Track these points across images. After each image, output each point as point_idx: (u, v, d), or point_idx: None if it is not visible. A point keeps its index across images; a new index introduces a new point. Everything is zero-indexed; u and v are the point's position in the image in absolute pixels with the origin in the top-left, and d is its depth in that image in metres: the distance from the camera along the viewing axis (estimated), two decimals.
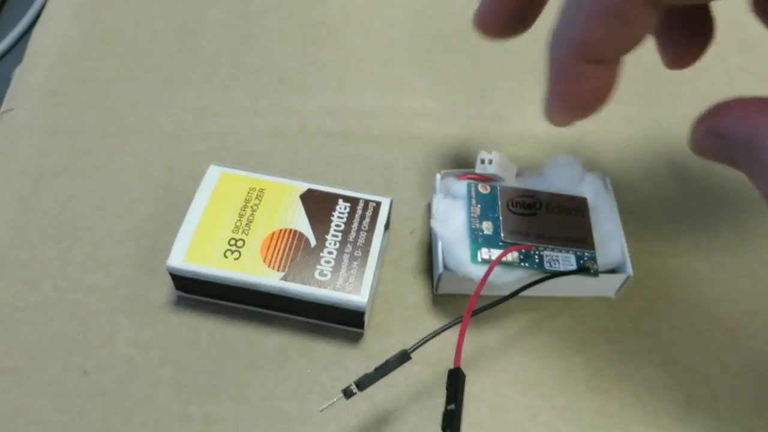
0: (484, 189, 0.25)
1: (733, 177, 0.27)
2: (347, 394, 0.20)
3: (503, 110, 0.31)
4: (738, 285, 0.26)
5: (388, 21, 0.35)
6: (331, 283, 0.23)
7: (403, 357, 0.21)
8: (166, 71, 0.32)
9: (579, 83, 0.21)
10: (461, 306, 0.23)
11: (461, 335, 0.21)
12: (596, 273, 0.23)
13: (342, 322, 0.24)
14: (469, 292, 0.22)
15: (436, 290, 0.25)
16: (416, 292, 0.25)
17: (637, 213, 0.28)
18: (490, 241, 0.24)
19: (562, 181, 0.26)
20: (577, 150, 0.30)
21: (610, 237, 0.25)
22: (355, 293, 0.23)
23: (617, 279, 0.24)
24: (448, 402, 0.20)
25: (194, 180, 0.25)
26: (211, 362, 0.23)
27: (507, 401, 0.23)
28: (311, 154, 0.29)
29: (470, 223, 0.24)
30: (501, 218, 0.24)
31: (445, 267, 0.24)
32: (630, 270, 0.24)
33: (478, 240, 0.24)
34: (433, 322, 0.24)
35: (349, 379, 0.23)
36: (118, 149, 0.29)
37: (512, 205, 0.25)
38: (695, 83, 0.32)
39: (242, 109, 0.31)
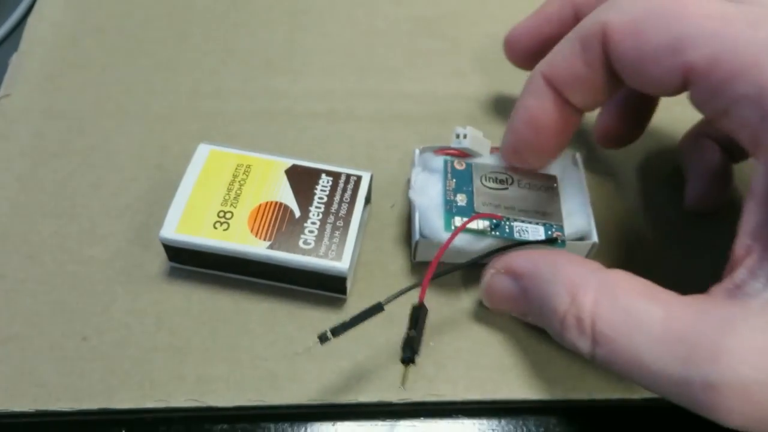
0: (459, 165, 0.26)
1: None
2: (322, 339, 0.21)
3: (480, 91, 0.33)
4: (696, 257, 0.28)
5: (370, 8, 0.36)
6: (315, 250, 0.24)
7: (377, 308, 0.22)
8: (157, 57, 0.33)
9: (538, 105, 0.24)
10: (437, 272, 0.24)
11: (427, 277, 0.22)
12: (563, 243, 0.25)
13: (326, 288, 0.25)
14: (445, 259, 0.24)
15: (414, 258, 0.26)
16: (396, 261, 0.27)
17: (605, 189, 0.29)
18: (464, 212, 0.25)
19: None
20: None
21: (578, 209, 0.26)
22: (337, 260, 0.24)
23: (584, 246, 0.26)
24: (409, 329, 0.22)
25: (186, 159, 0.27)
26: (203, 327, 0.25)
27: (481, 359, 0.25)
28: (297, 134, 0.31)
29: (445, 195, 0.25)
30: (474, 191, 0.26)
31: (422, 235, 0.25)
32: (596, 237, 0.25)
33: (452, 210, 0.25)
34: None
35: (334, 341, 0.25)
36: (113, 131, 0.30)
37: (485, 180, 0.26)
38: None
39: (231, 91, 0.32)
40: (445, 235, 0.24)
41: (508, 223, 0.25)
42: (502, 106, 0.32)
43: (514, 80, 0.33)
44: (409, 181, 0.28)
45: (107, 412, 0.23)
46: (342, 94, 0.32)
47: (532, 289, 0.22)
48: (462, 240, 0.24)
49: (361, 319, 0.22)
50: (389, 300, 0.22)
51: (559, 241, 0.25)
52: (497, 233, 0.25)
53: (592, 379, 0.24)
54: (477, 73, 0.34)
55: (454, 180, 0.26)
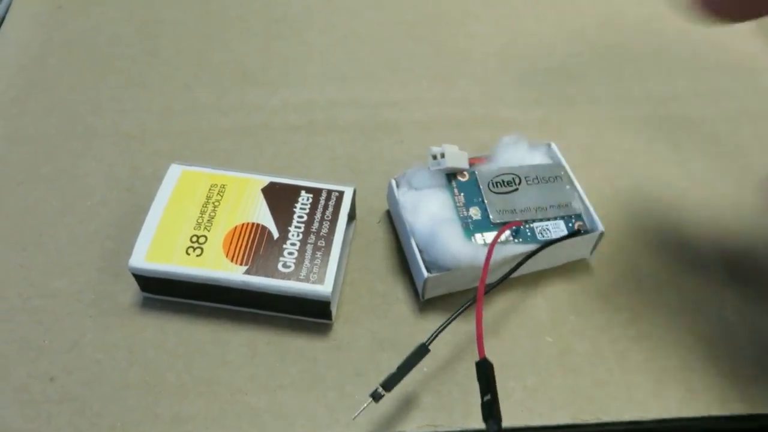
0: (462, 177, 0.25)
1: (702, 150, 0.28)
2: (376, 397, 0.20)
3: (467, 94, 0.31)
4: (704, 258, 0.26)
5: (350, 13, 0.35)
6: (295, 274, 0.23)
7: (422, 351, 0.20)
8: (127, 74, 0.32)
9: None
10: None
11: (478, 324, 0.20)
12: (586, 233, 0.24)
13: (309, 313, 0.23)
14: (459, 288, 0.22)
15: (423, 297, 0.24)
16: (384, 279, 0.25)
17: (608, 191, 0.28)
18: (481, 226, 0.24)
19: (510, 159, 0.25)
20: (543, 131, 0.30)
21: (570, 197, 0.25)
22: (319, 283, 0.22)
23: (591, 238, 0.24)
24: (483, 393, 0.20)
25: (158, 180, 0.25)
26: (178, 361, 0.23)
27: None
28: (276, 149, 0.29)
29: (458, 212, 0.24)
30: (486, 201, 0.24)
31: (428, 269, 0.23)
32: (601, 226, 0.24)
33: (469, 227, 0.23)
34: (402, 309, 0.24)
35: (319, 371, 0.23)
36: (81, 154, 0.29)
37: (493, 186, 0.25)
38: (659, 59, 0.32)
39: (205, 107, 0.31)
40: (461, 250, 0.22)
41: (528, 226, 0.24)
42: (492, 109, 0.31)
43: (498, 80, 0.31)
44: (388, 213, 0.27)
45: None
46: (322, 105, 0.31)
47: None
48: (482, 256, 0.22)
49: (410, 366, 0.20)
50: (432, 338, 0.20)
51: (581, 231, 0.24)
52: (520, 239, 0.24)
53: (599, 399, 0.23)
54: (461, 75, 0.32)
55: (462, 194, 0.24)
